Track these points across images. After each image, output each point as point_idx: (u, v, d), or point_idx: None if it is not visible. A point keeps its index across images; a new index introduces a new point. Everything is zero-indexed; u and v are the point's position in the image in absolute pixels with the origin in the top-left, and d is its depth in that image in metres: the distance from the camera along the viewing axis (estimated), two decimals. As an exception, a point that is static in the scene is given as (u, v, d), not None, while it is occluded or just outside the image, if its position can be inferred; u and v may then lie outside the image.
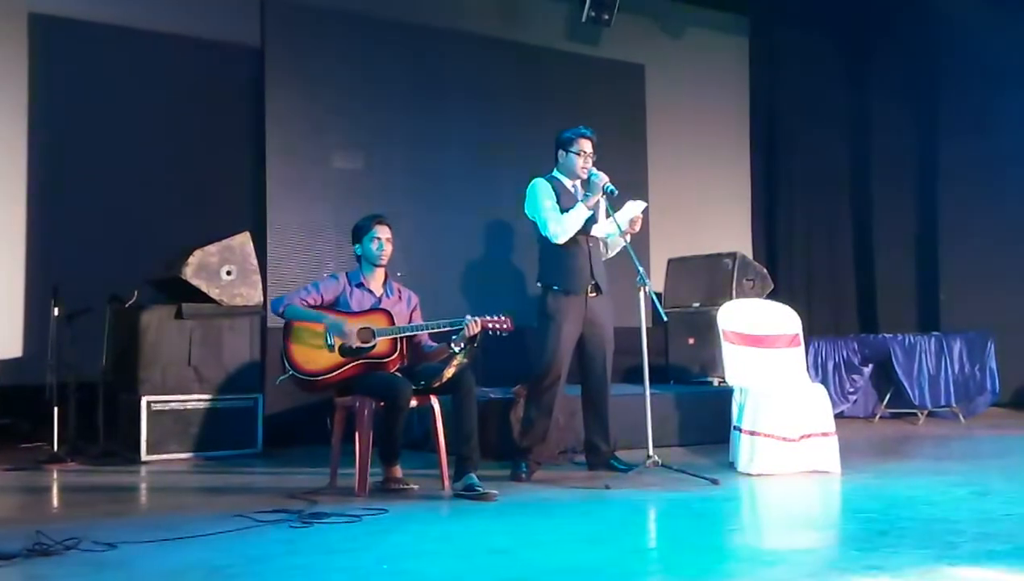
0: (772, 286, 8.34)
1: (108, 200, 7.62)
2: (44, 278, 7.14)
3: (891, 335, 8.64)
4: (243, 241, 6.80)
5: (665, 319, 5.63)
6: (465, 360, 5.06)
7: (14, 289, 7.46)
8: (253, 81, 7.84)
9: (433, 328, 5.15)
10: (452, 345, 5.07)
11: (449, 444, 5.16)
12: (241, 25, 7.89)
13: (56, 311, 6.57)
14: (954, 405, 8.41)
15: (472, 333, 5.02)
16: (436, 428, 5.23)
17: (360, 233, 5.28)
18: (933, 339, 8.47)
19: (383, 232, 5.24)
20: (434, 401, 5.20)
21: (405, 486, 5.10)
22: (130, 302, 6.72)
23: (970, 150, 9.70)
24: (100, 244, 7.48)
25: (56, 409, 6.46)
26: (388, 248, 5.26)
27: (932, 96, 10.19)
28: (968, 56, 9.68)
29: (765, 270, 8.45)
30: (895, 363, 8.32)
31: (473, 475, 4.91)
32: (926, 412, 8.40)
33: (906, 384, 8.29)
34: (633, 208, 5.60)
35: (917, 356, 8.33)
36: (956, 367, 8.42)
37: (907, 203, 10.48)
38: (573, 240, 5.51)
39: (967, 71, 9.77)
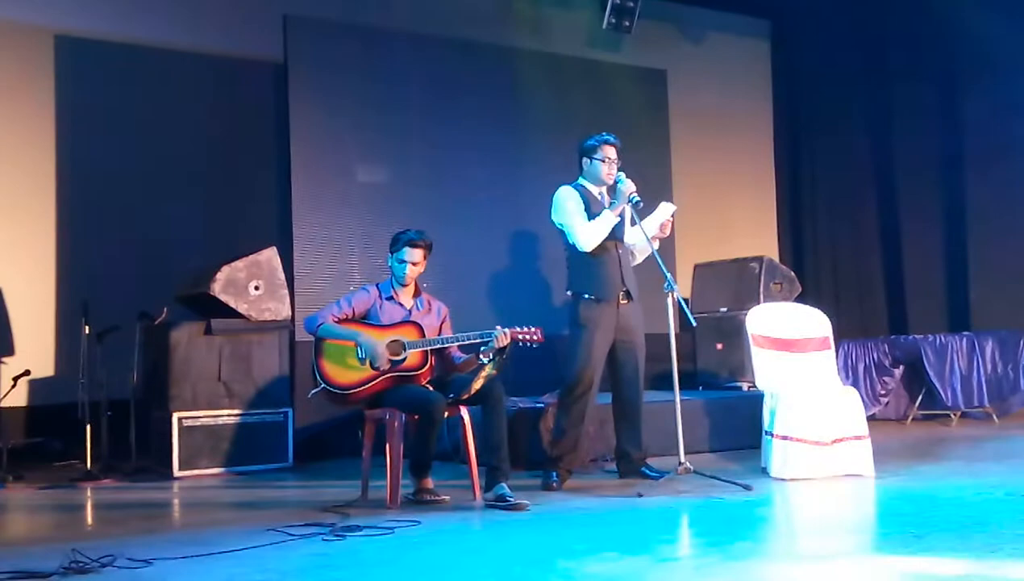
0: (800, 289, 8.30)
1: (135, 218, 7.68)
2: (74, 297, 7.20)
3: (922, 336, 8.56)
4: (270, 256, 6.83)
5: (694, 325, 5.60)
6: (494, 371, 5.06)
7: (45, 309, 7.53)
8: (276, 97, 7.89)
9: (463, 340, 5.15)
10: (481, 356, 5.07)
11: (479, 455, 5.16)
12: (264, 42, 7.94)
13: (87, 330, 6.63)
14: (987, 405, 8.33)
15: (502, 344, 5.02)
16: (466, 439, 5.23)
17: (393, 248, 5.29)
18: (964, 339, 8.39)
19: (411, 255, 5.23)
20: (464, 412, 5.21)
21: (437, 498, 5.10)
22: (159, 319, 6.76)
23: (997, 146, 9.60)
24: (128, 262, 7.54)
25: (88, 427, 6.51)
26: (412, 271, 5.25)
27: (956, 93, 10.10)
28: (991, 50, 9.58)
29: (792, 273, 8.41)
30: (926, 364, 8.24)
31: (504, 485, 4.91)
32: (959, 413, 8.32)
33: (938, 385, 8.21)
34: (663, 211, 5.59)
35: (949, 356, 8.24)
36: (988, 367, 8.32)
37: (934, 202, 10.38)
38: (603, 247, 5.50)
39: (991, 65, 9.68)
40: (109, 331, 6.69)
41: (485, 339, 5.06)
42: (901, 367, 8.56)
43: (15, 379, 6.74)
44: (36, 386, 7.25)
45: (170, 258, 7.48)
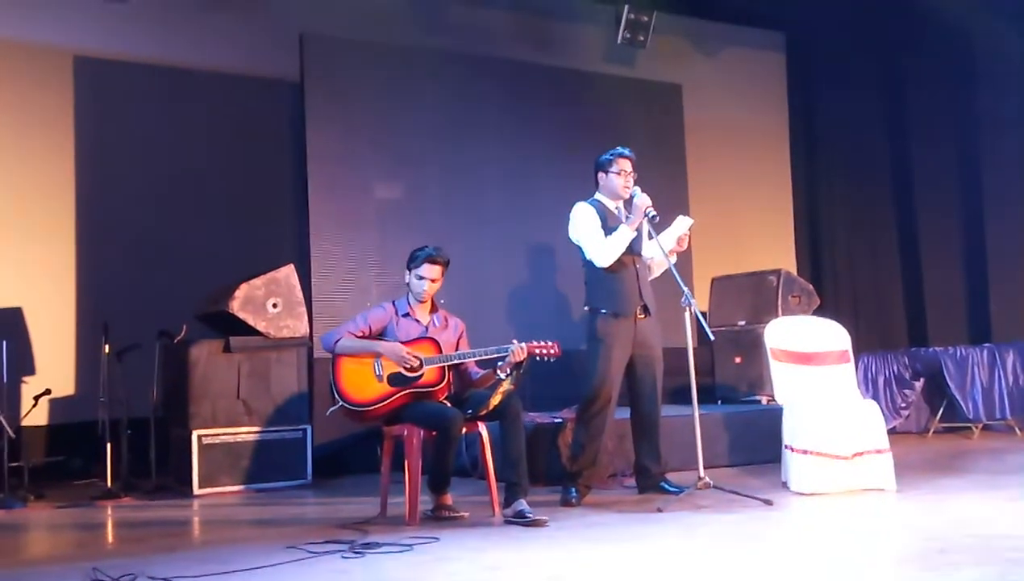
0: (818, 302, 8.27)
1: (154, 237, 7.73)
2: (94, 316, 7.24)
3: (942, 348, 8.51)
4: (288, 273, 6.86)
5: (712, 339, 5.58)
6: (511, 387, 5.06)
7: (65, 328, 7.58)
8: (293, 115, 7.93)
9: (480, 355, 5.15)
10: (498, 371, 5.07)
11: (498, 471, 5.16)
12: (280, 61, 7.99)
13: (107, 348, 6.66)
14: (1009, 418, 8.26)
15: (518, 359, 5.02)
16: (485, 455, 5.22)
17: (411, 264, 5.29)
18: (985, 351, 8.33)
19: (429, 272, 5.23)
20: (482, 428, 5.21)
21: (455, 514, 5.09)
22: (179, 337, 6.79)
23: (1016, 155, 9.57)
24: (148, 280, 7.57)
25: (109, 445, 6.52)
26: (431, 288, 5.25)
27: (973, 102, 10.07)
28: (1008, 56, 9.56)
29: (811, 286, 8.38)
30: (947, 376, 8.19)
31: (523, 501, 4.90)
32: (980, 426, 8.26)
33: (959, 398, 8.16)
34: (680, 225, 5.58)
35: (969, 369, 8.19)
36: (1010, 379, 8.26)
37: (953, 213, 10.35)
38: (620, 262, 5.49)
39: (1008, 73, 9.65)
40: (129, 349, 6.73)
41: (502, 354, 5.06)
42: (921, 380, 8.51)
43: (36, 398, 6.78)
44: (57, 405, 7.28)
45: (189, 276, 7.52)
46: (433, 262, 5.24)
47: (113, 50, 7.86)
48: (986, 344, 8.66)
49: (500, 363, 5.06)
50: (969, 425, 8.26)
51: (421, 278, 5.24)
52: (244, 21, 8.16)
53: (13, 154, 7.50)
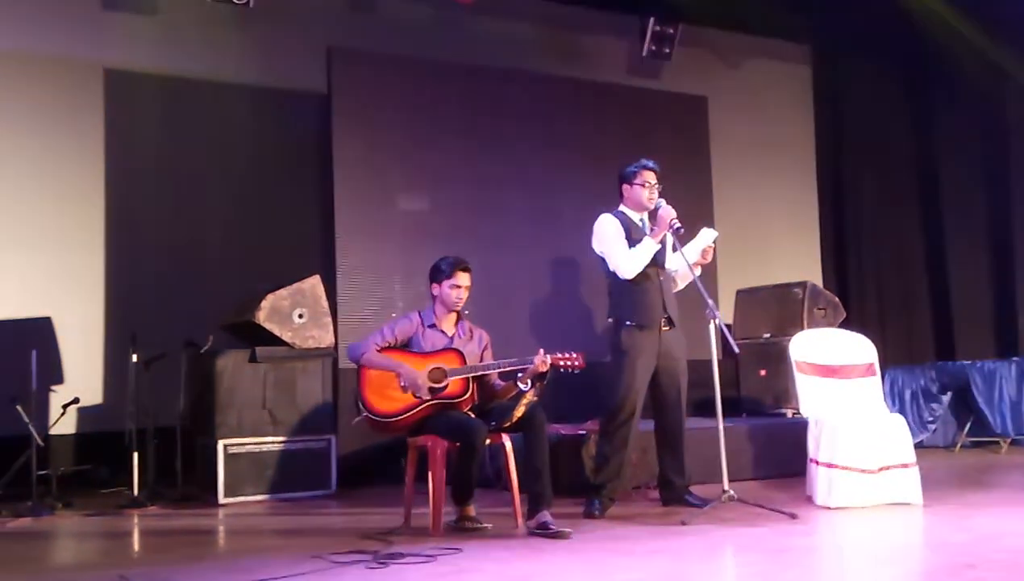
0: (844, 315, 8.23)
1: (182, 248, 7.79)
2: (122, 326, 7.31)
3: (969, 362, 8.44)
4: (314, 284, 6.90)
5: (737, 351, 5.56)
6: (534, 398, 5.06)
7: (94, 337, 7.64)
8: (320, 127, 7.98)
9: (505, 367, 5.15)
10: (518, 382, 5.07)
11: (521, 482, 5.16)
12: (308, 74, 8.05)
13: (134, 358, 6.71)
14: (1037, 433, 8.18)
15: (541, 370, 5.02)
16: (508, 466, 5.22)
17: (440, 276, 5.30)
18: (1013, 365, 8.24)
19: (463, 280, 5.26)
20: (505, 439, 5.21)
21: (479, 525, 5.09)
22: (205, 347, 6.84)
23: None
24: (175, 291, 7.64)
25: (135, 454, 6.57)
26: (465, 296, 5.29)
27: (1001, 116, 10.01)
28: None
29: (836, 299, 8.34)
30: (975, 391, 8.12)
31: (546, 513, 4.89)
32: (1009, 440, 8.16)
33: (987, 412, 8.08)
34: (705, 237, 5.58)
35: (997, 383, 8.11)
36: (1039, 393, 8.18)
37: (980, 227, 10.27)
38: (644, 274, 5.49)
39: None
40: (156, 359, 6.78)
41: (526, 366, 5.06)
42: (949, 394, 8.43)
43: (64, 407, 6.82)
44: (85, 414, 7.34)
45: (216, 287, 7.59)
46: (465, 270, 5.28)
47: (143, 63, 7.94)
48: (1014, 358, 8.58)
49: (520, 374, 5.07)
50: (997, 439, 8.18)
51: (456, 287, 5.25)
52: (273, 34, 8.23)
53: (44, 166, 7.59)
